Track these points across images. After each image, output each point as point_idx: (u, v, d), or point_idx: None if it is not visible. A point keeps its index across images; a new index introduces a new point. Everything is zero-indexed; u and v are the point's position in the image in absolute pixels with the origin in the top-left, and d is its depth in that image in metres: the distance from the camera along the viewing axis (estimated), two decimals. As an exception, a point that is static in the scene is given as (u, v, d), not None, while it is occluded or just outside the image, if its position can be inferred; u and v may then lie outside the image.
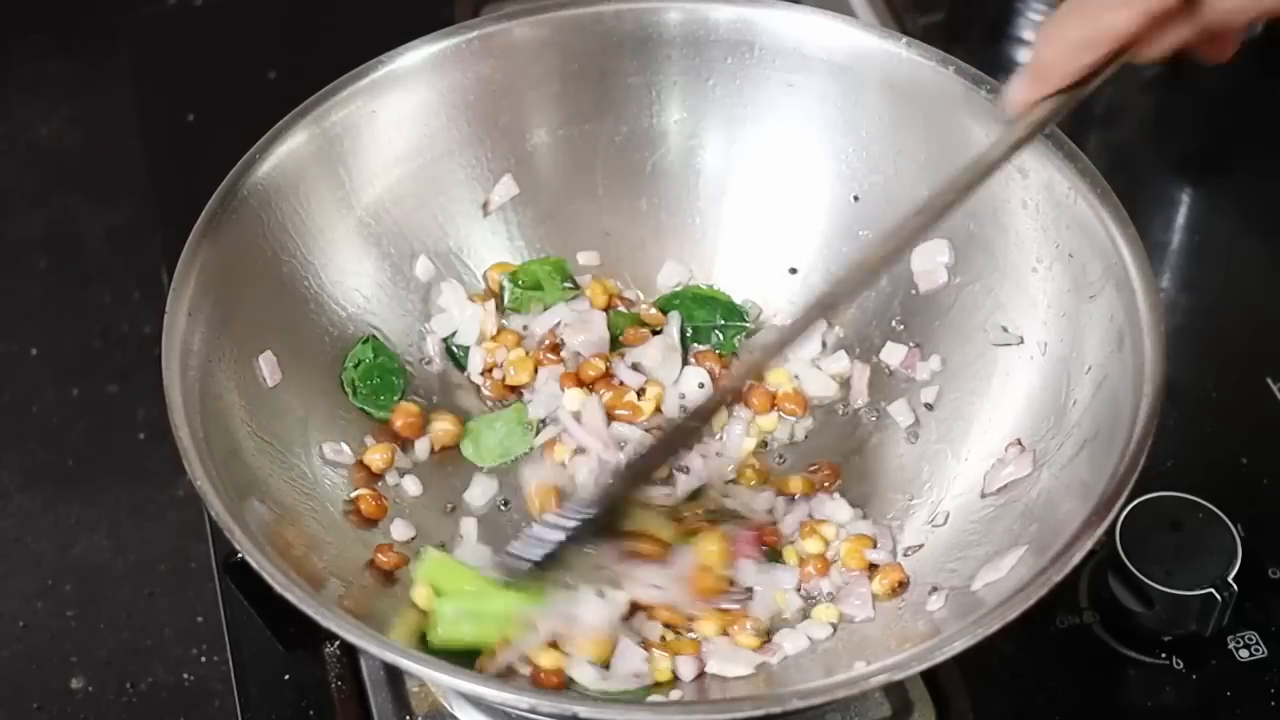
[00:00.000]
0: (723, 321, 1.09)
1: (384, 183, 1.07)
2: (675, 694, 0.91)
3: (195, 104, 1.42)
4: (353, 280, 1.05)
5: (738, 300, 1.11)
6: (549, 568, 0.91)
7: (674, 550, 0.96)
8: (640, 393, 1.05)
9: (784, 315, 1.10)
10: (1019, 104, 0.89)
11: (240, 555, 0.84)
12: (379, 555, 0.96)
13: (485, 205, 1.10)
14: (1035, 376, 0.99)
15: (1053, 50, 0.86)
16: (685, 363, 1.08)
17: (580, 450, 1.04)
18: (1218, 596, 0.98)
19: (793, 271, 1.11)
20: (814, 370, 1.08)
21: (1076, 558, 0.82)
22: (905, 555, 0.98)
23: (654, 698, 0.91)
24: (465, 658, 0.92)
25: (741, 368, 1.03)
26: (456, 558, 0.98)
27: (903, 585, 0.95)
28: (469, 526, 1.01)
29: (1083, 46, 0.85)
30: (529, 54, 1.09)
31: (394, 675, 1.00)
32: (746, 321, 1.10)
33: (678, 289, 1.11)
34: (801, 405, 1.06)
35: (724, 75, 1.09)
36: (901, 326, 1.07)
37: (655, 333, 1.09)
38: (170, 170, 1.37)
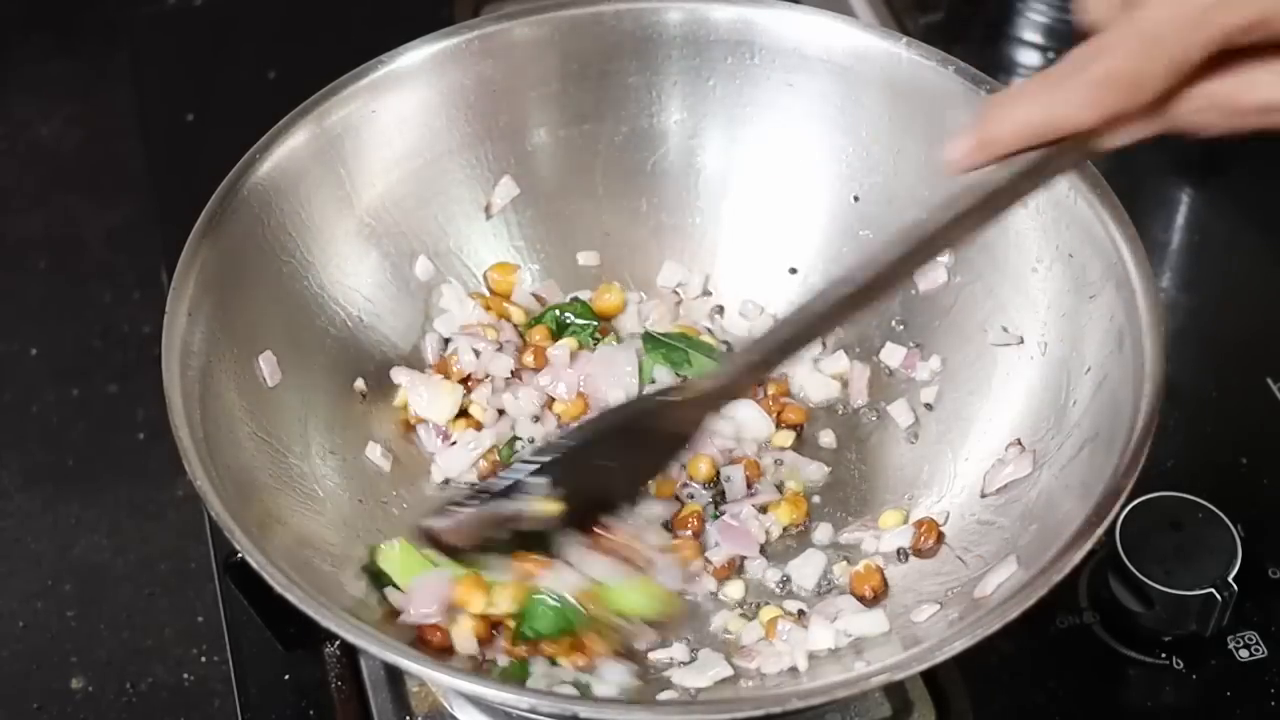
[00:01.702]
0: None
1: (384, 183, 1.07)
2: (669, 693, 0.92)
3: (195, 104, 1.42)
4: (353, 280, 1.05)
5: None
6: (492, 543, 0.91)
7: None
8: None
9: (785, 315, 1.10)
10: (954, 165, 0.83)
11: (240, 555, 0.84)
12: (426, 633, 0.92)
13: (488, 208, 1.10)
14: (1035, 376, 0.99)
15: (999, 125, 0.81)
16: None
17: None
18: (1218, 596, 0.98)
19: (793, 271, 1.11)
20: (814, 370, 1.08)
21: (1076, 558, 0.82)
22: (904, 557, 0.98)
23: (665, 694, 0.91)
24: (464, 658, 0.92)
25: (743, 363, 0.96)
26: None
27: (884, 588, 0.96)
28: None
29: (1031, 130, 0.80)
30: (529, 54, 1.09)
31: (394, 675, 1.00)
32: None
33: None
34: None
35: (724, 75, 1.09)
36: (901, 326, 1.07)
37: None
38: (170, 170, 1.37)
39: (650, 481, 0.99)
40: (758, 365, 0.92)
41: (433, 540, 0.93)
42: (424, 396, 1.05)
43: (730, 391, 0.93)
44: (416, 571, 0.94)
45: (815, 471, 1.04)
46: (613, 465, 0.94)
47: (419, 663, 0.84)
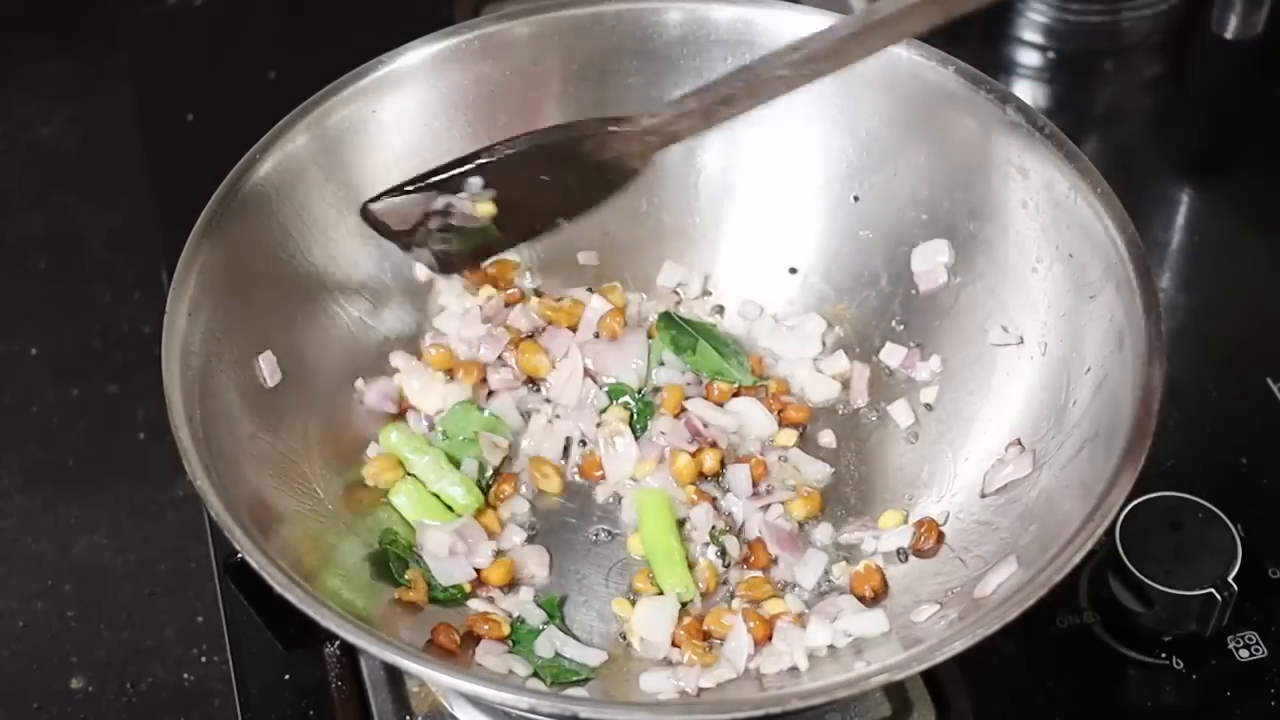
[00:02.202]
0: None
1: (384, 182, 1.06)
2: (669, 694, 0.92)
3: (195, 104, 1.42)
4: (353, 280, 1.05)
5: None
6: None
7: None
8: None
9: (785, 315, 1.11)
10: None
11: (240, 555, 0.84)
12: (439, 635, 0.94)
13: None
14: (1035, 376, 0.99)
15: None
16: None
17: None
18: (1218, 596, 0.98)
19: (793, 271, 1.11)
20: (814, 370, 1.08)
21: (1076, 558, 0.82)
22: (903, 557, 0.98)
23: (661, 695, 0.91)
24: (462, 657, 0.92)
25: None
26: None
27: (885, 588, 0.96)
28: None
29: None
30: (529, 54, 1.09)
31: (394, 675, 1.00)
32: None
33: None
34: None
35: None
36: (901, 327, 1.07)
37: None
38: (170, 170, 1.37)
39: (585, 210, 1.01)
40: (702, 112, 0.96)
41: (374, 223, 1.00)
42: (416, 385, 1.05)
43: (673, 134, 0.97)
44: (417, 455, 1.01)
45: (817, 471, 1.04)
46: (550, 182, 0.98)
47: (419, 662, 0.84)
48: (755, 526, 1.00)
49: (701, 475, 1.03)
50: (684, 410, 1.04)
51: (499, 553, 0.99)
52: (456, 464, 1.02)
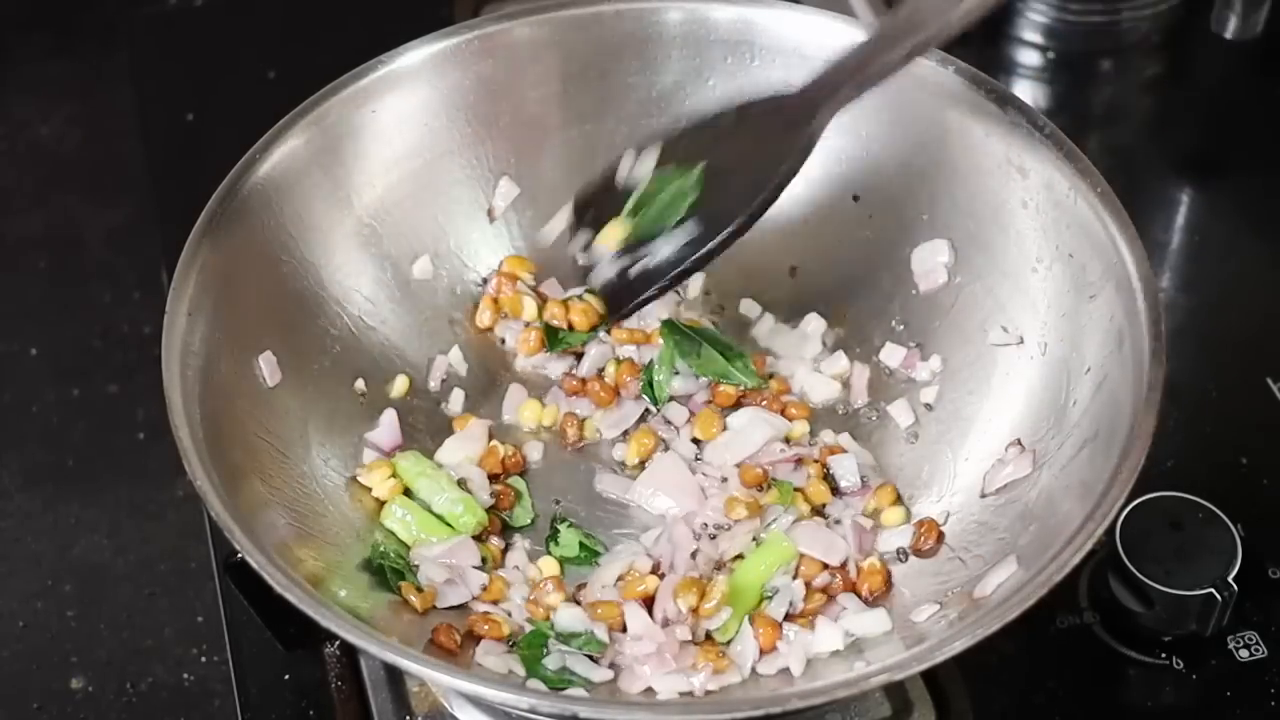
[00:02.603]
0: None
1: (384, 183, 1.07)
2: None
3: (195, 104, 1.42)
4: (353, 280, 1.05)
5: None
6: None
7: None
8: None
9: (785, 315, 1.11)
10: None
11: (240, 555, 0.84)
12: (440, 635, 0.93)
13: (490, 212, 1.10)
14: (1035, 376, 0.99)
15: None
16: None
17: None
18: (1218, 596, 0.98)
19: (793, 271, 1.11)
20: (814, 371, 1.08)
21: (1076, 558, 0.82)
22: (903, 557, 0.98)
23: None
24: (462, 657, 0.92)
25: None
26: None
27: (888, 586, 0.96)
28: None
29: None
30: (529, 54, 1.09)
31: (394, 675, 1.00)
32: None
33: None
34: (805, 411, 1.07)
35: (724, 75, 1.09)
36: (901, 327, 1.07)
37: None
38: (170, 170, 1.37)
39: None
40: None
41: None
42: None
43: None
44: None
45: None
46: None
47: (419, 663, 0.84)
48: None
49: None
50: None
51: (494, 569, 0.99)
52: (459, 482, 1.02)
